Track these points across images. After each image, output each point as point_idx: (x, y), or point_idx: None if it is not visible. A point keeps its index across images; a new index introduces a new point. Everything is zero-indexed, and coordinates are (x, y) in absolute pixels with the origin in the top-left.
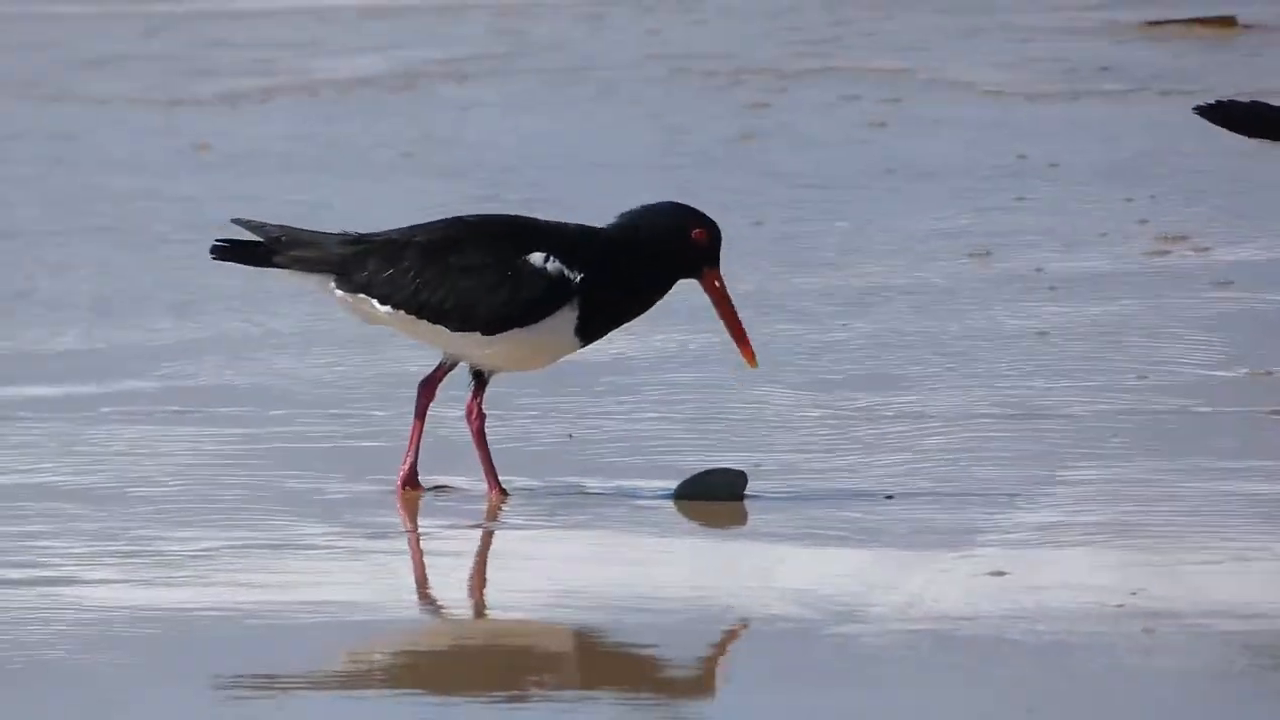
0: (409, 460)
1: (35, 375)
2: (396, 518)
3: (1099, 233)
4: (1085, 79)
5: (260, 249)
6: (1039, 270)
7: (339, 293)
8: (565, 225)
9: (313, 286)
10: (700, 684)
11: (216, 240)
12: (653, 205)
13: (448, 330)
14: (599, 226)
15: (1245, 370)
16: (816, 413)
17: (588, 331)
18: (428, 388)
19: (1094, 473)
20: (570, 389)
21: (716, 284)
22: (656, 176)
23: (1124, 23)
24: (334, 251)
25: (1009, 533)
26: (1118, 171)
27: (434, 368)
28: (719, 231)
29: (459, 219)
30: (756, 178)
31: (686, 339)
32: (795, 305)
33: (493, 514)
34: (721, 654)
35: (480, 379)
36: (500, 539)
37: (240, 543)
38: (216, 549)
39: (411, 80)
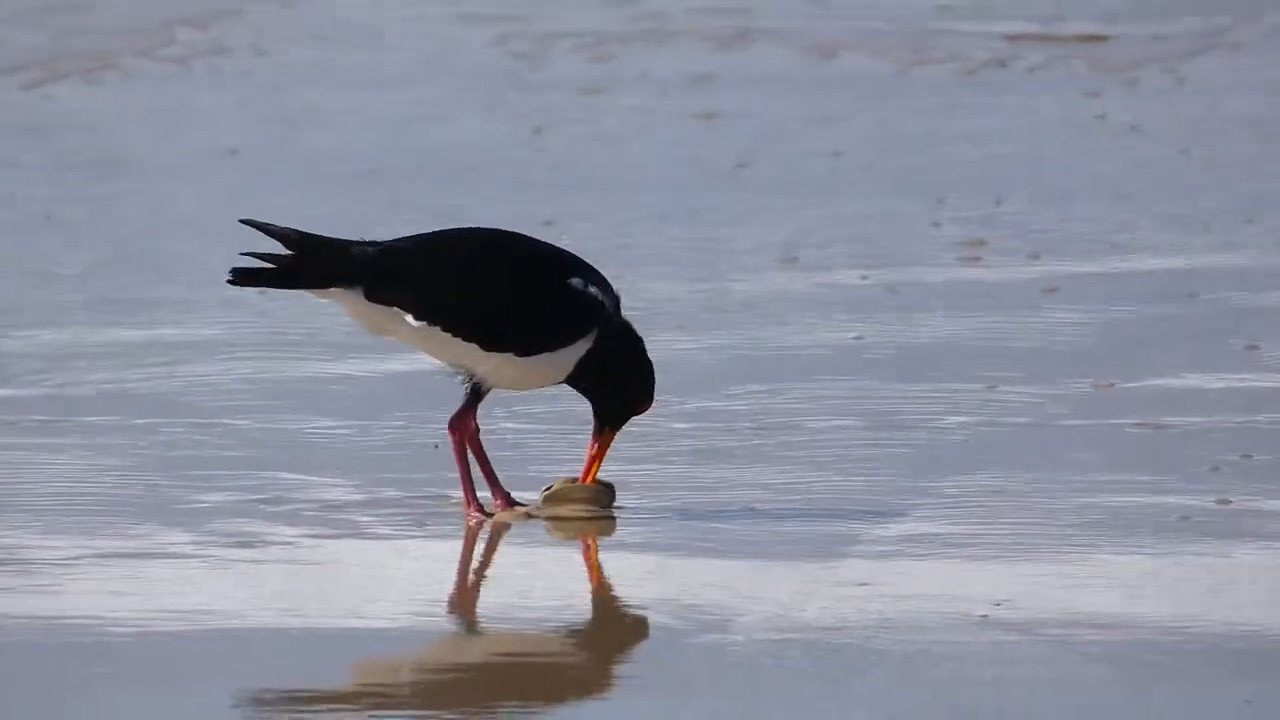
0: (497, 490)
1: None
2: (259, 527)
3: (910, 239)
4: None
5: (281, 272)
6: (864, 278)
7: (367, 304)
8: (582, 262)
9: (331, 298)
10: (567, 692)
11: (238, 269)
12: (644, 359)
13: (479, 349)
14: (609, 318)
15: (1089, 381)
16: (680, 425)
17: (577, 371)
18: (464, 423)
19: (955, 485)
20: (441, 402)
21: (608, 441)
22: None
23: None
24: (360, 261)
25: (874, 544)
26: (921, 176)
27: (464, 404)
28: (646, 410)
29: (491, 234)
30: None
31: None
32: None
33: (472, 533)
34: (590, 662)
35: (479, 394)
36: (365, 548)
37: (104, 551)
38: (79, 557)
39: None
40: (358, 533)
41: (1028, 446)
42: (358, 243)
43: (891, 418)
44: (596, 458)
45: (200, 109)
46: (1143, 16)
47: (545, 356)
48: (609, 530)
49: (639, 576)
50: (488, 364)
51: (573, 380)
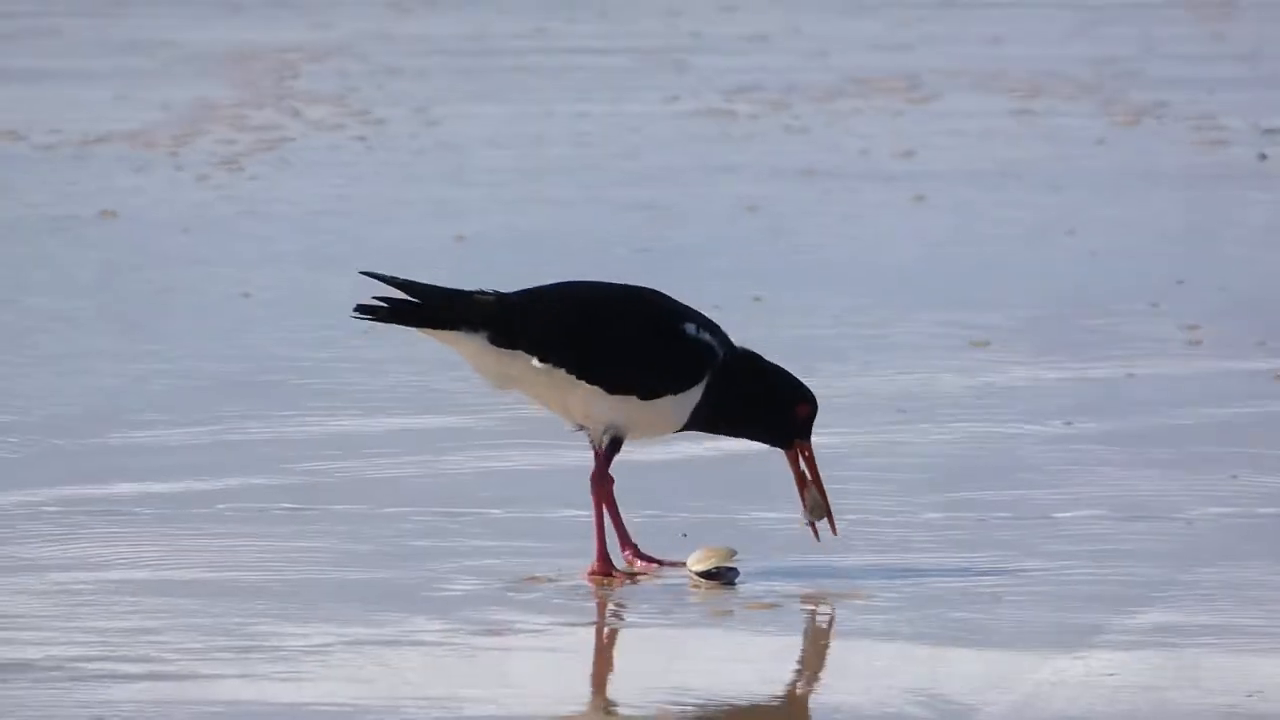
0: (625, 542)
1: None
2: (506, 614)
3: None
4: None
5: (417, 310)
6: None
7: (492, 348)
8: (700, 315)
9: (459, 346)
10: None
11: (372, 299)
12: (774, 367)
13: (603, 391)
14: (734, 358)
15: None
16: (932, 515)
17: (695, 415)
18: (603, 477)
19: (1209, 573)
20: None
21: (806, 454)
22: None
23: None
24: (484, 306)
25: (1124, 634)
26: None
27: (602, 459)
28: (817, 408)
29: (615, 286)
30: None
31: None
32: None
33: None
34: None
35: (616, 446)
36: (613, 636)
37: (354, 639)
38: (330, 644)
39: None
40: (607, 621)
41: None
42: (480, 291)
43: (1141, 503)
44: (805, 473)
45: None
46: None
47: (668, 400)
48: (848, 616)
49: (885, 664)
50: (612, 408)
51: (710, 424)
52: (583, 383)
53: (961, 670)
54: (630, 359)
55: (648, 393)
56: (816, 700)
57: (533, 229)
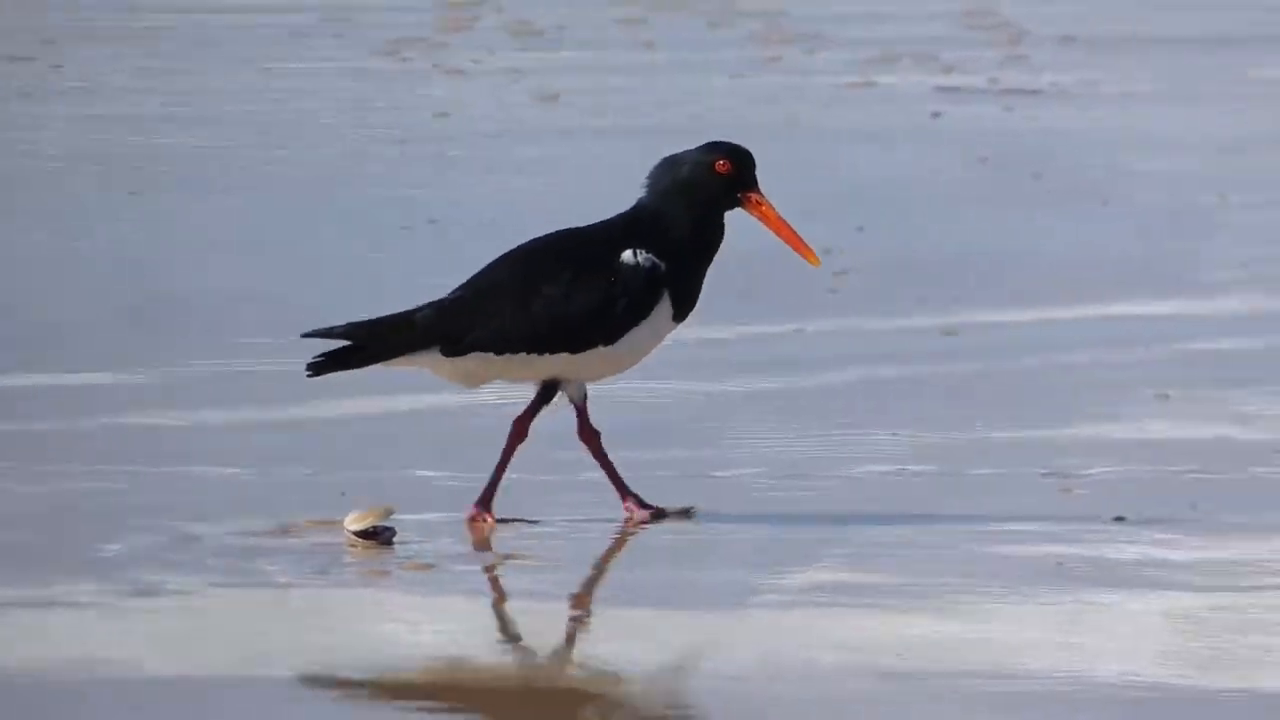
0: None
1: None
2: (159, 575)
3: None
4: None
5: (359, 351)
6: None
7: (448, 361)
8: (612, 220)
9: (417, 366)
10: None
11: (312, 359)
12: (671, 158)
13: (570, 354)
14: (636, 205)
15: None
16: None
17: (681, 309)
18: (590, 429)
19: (863, 532)
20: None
21: (761, 205)
22: None
23: None
24: (426, 323)
25: (778, 594)
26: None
27: (581, 414)
28: (746, 154)
29: (528, 246)
30: None
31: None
32: None
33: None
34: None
35: (583, 397)
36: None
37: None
38: None
39: None
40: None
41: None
42: (420, 308)
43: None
44: (774, 224)
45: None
46: None
47: (635, 333)
48: (508, 577)
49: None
50: (585, 366)
51: (688, 309)
52: (545, 355)
53: (617, 630)
54: (580, 317)
55: (610, 338)
56: (467, 664)
57: None
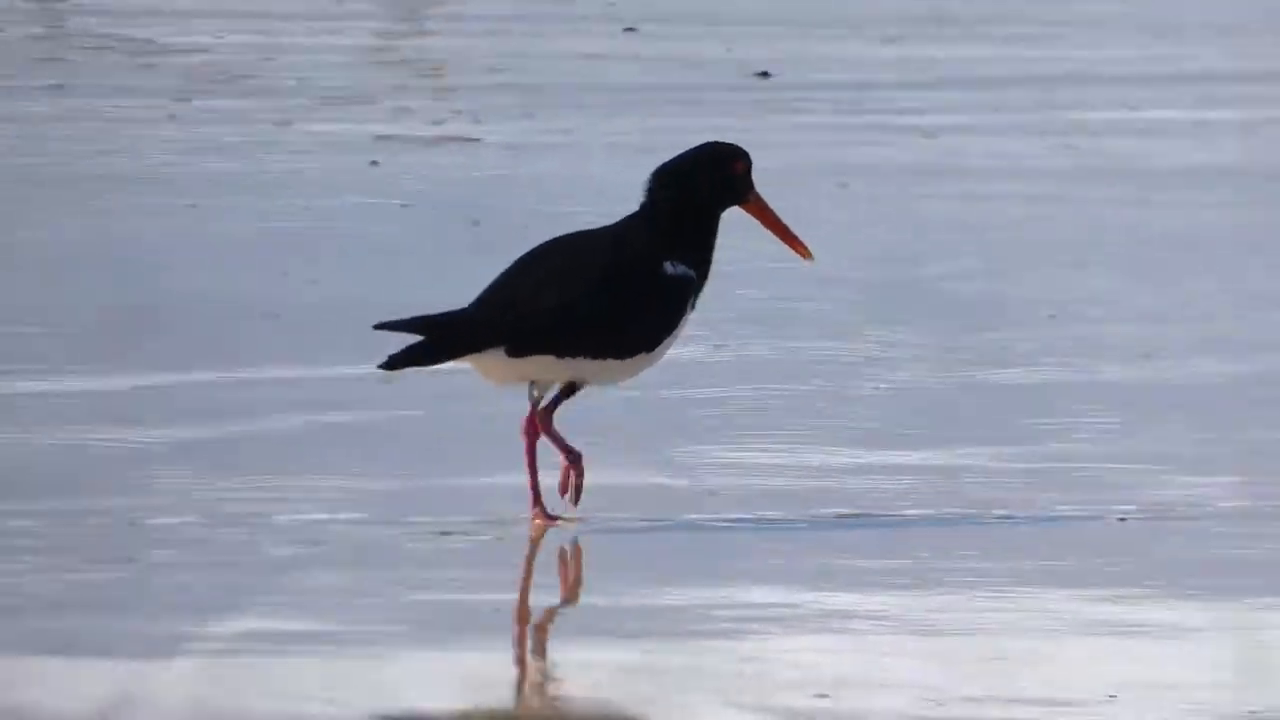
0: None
1: None
2: None
3: None
4: None
5: (434, 346)
6: None
7: (509, 361)
8: (637, 224)
9: (469, 364)
10: None
11: (390, 355)
12: (684, 157)
13: (615, 360)
14: (643, 206)
15: None
16: None
17: (697, 290)
18: (534, 424)
19: (296, 580)
20: None
21: (761, 204)
22: None
23: None
24: (493, 323)
25: (209, 641)
26: None
27: (551, 403)
28: (747, 152)
29: (554, 251)
30: None
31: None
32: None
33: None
34: None
35: (573, 393)
36: None
37: None
38: None
39: None
40: None
41: None
42: (475, 306)
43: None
44: (769, 220)
45: None
46: None
47: (668, 341)
48: None
49: None
50: (623, 370)
51: (703, 259)
52: (599, 360)
53: (47, 680)
54: (637, 325)
55: (652, 345)
56: None
57: None
